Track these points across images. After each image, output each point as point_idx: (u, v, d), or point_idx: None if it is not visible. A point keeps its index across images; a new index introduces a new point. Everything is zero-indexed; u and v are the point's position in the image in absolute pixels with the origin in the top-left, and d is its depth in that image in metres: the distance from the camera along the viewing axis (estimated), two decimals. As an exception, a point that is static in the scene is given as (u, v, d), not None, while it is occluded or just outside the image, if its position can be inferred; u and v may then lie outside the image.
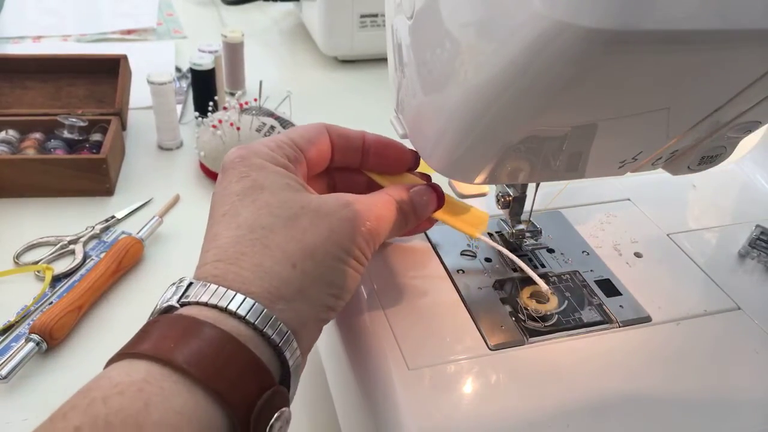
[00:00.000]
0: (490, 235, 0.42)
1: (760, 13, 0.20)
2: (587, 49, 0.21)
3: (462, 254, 0.41)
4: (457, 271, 0.39)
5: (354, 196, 0.31)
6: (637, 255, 0.42)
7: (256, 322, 0.26)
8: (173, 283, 0.28)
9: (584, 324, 0.36)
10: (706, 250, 0.43)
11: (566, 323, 0.36)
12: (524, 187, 0.39)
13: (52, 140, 0.69)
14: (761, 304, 0.38)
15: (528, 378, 0.33)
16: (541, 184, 0.40)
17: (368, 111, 0.87)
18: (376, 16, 0.92)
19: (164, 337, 0.25)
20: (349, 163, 0.36)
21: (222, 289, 0.27)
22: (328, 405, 0.45)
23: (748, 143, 0.49)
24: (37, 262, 0.57)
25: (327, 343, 0.42)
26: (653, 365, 0.34)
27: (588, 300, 0.38)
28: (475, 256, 0.41)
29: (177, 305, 0.27)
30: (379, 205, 0.32)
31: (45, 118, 0.70)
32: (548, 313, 0.36)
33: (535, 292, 0.38)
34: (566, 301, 0.38)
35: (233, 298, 0.26)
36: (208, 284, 0.27)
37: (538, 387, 0.32)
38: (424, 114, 0.32)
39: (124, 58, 0.76)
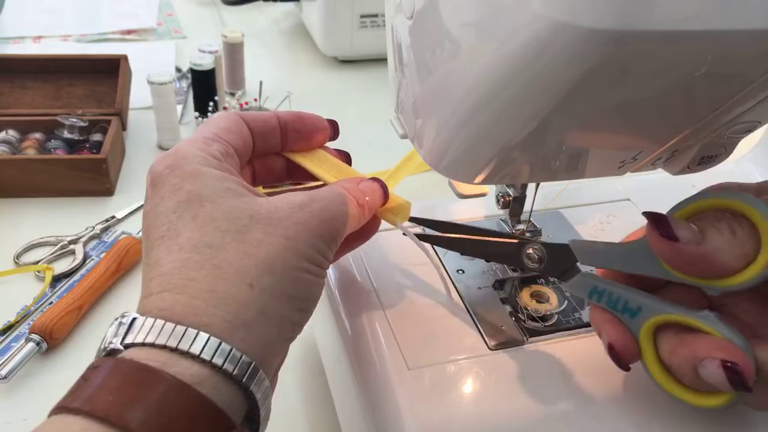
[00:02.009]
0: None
1: (760, 13, 0.20)
2: (587, 50, 0.21)
3: (462, 254, 0.41)
4: (457, 271, 0.39)
5: (306, 195, 0.29)
6: (637, 255, 0.42)
7: (213, 360, 0.23)
8: (116, 319, 0.25)
9: (584, 324, 0.36)
10: (706, 250, 0.43)
11: (566, 323, 0.36)
12: (524, 187, 0.39)
13: (52, 140, 0.69)
14: (761, 304, 0.38)
15: (528, 378, 0.33)
16: (541, 184, 0.40)
17: (368, 111, 0.87)
18: (376, 16, 0.92)
19: (102, 389, 0.22)
20: (271, 147, 0.34)
21: (170, 326, 0.24)
22: (328, 405, 0.45)
23: (748, 143, 0.48)
24: (37, 262, 0.57)
25: (327, 343, 0.42)
26: (653, 365, 0.34)
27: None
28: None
29: (120, 347, 0.24)
30: (336, 202, 0.29)
31: (45, 118, 0.70)
32: (548, 313, 0.36)
33: (535, 292, 0.38)
34: (566, 301, 0.38)
35: (184, 334, 0.23)
36: (154, 320, 0.24)
37: (538, 387, 0.32)
38: (424, 114, 0.32)
39: (124, 58, 0.76)
